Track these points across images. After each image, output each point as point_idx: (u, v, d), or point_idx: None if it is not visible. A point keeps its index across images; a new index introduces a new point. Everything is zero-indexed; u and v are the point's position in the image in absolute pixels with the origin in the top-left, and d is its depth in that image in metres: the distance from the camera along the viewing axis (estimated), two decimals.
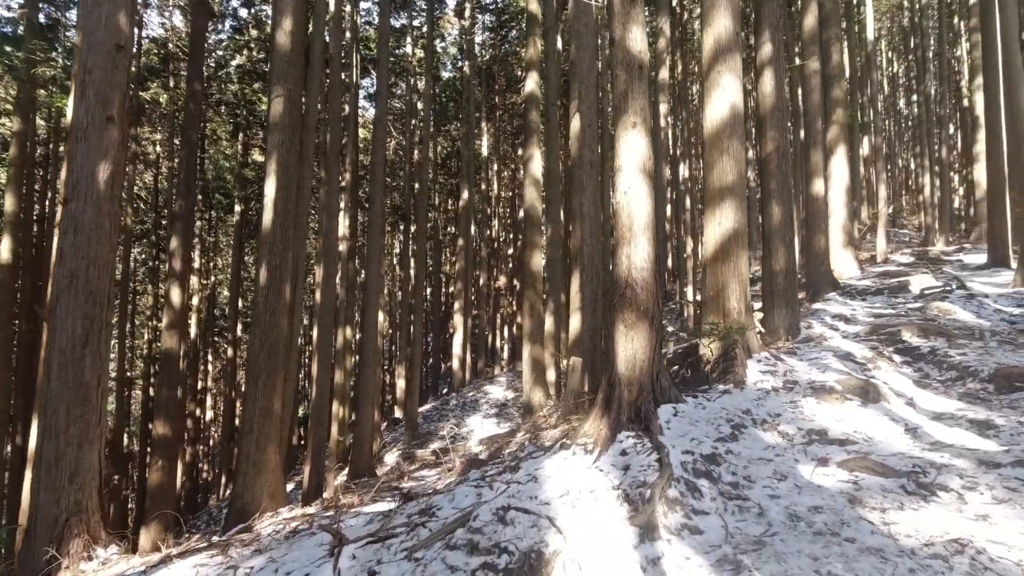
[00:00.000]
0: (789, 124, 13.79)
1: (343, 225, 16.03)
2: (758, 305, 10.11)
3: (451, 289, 32.85)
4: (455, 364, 23.01)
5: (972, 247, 15.53)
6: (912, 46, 26.98)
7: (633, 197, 5.93)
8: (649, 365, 5.77)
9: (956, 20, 24.18)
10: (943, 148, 21.72)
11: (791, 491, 4.26)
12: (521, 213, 29.68)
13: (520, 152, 30.27)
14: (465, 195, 22.29)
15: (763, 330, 8.03)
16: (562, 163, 16.62)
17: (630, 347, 5.73)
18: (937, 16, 22.93)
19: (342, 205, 15.77)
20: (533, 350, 12.90)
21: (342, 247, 16.13)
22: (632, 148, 5.99)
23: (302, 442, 23.03)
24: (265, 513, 8.59)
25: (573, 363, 7.65)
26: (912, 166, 28.04)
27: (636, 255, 5.85)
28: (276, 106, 8.70)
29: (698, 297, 21.68)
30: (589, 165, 9.56)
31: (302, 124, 11.11)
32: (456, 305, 22.77)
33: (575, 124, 9.84)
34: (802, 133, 15.96)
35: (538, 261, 13.53)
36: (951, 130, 23.70)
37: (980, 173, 16.53)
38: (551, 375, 15.81)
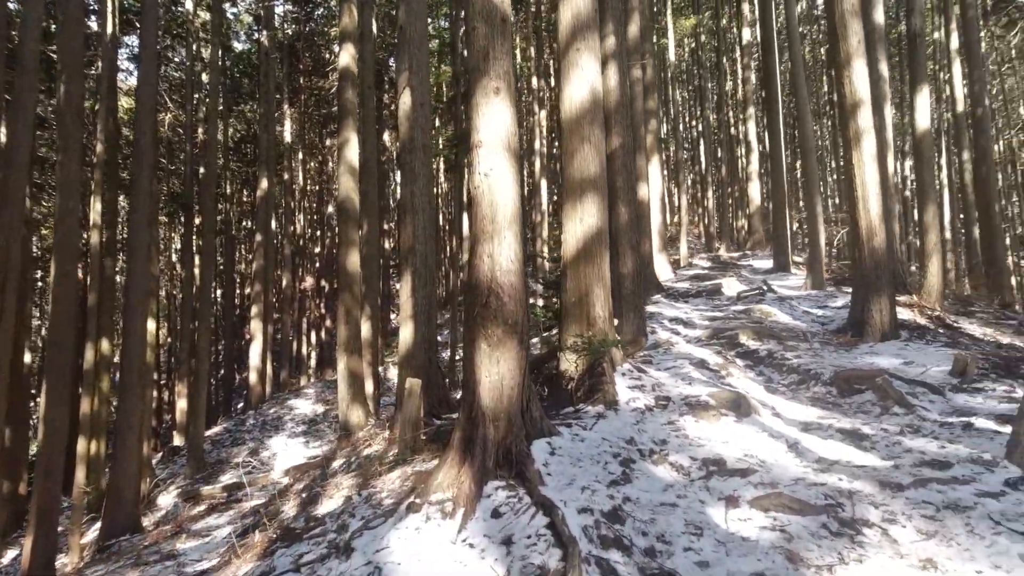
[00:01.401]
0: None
1: (95, 210, 12.24)
2: None
3: (248, 291, 28.53)
4: (252, 377, 19.65)
5: (752, 254, 17.39)
6: (693, 75, 30.26)
7: (497, 181, 4.64)
8: (519, 392, 4.53)
9: (723, 60, 27.47)
10: (722, 167, 24.58)
11: (717, 551, 3.32)
12: (331, 208, 26.85)
13: (330, 141, 27.39)
14: (264, 185, 19.09)
15: (620, 339, 7.37)
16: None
17: (496, 371, 4.42)
18: (716, 54, 25.89)
19: (92, 185, 12.01)
20: (350, 361, 10.95)
21: (94, 238, 12.32)
22: (494, 119, 4.70)
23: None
24: None
25: (410, 386, 6.12)
26: (689, 182, 31.67)
27: (501, 254, 4.57)
28: None
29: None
30: (422, 150, 8.07)
31: (13, 62, 7.82)
32: (254, 309, 19.44)
33: (405, 101, 8.27)
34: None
35: (355, 260, 11.58)
36: (720, 152, 26.94)
37: (754, 190, 18.64)
38: (370, 386, 13.89)
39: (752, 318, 8.62)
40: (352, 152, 11.41)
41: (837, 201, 26.54)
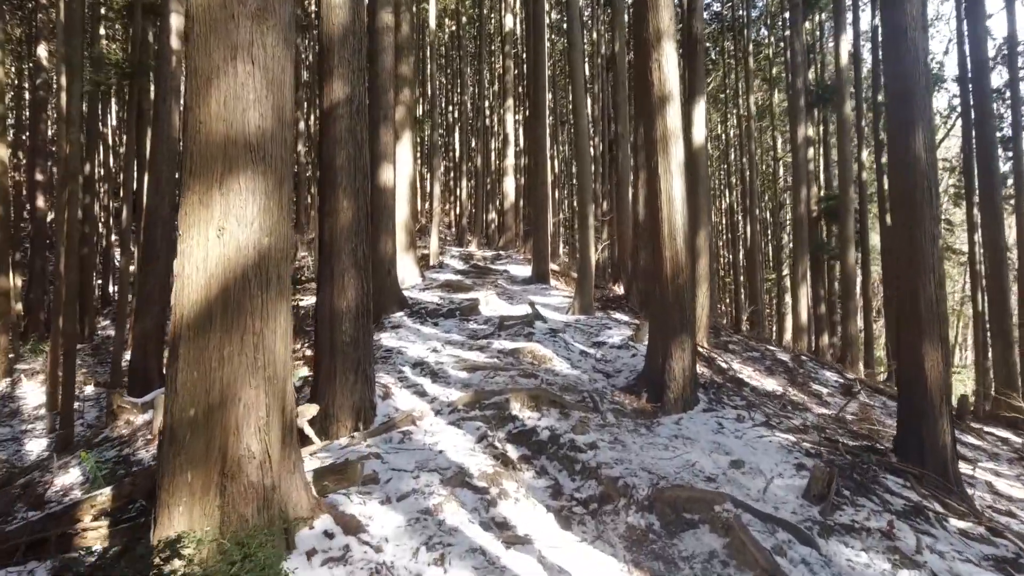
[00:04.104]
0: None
1: None
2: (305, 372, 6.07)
3: None
4: None
5: (506, 255, 15.58)
6: (453, 59, 27.84)
7: None
8: None
9: (484, 47, 25.56)
10: (478, 158, 22.63)
11: None
12: None
13: None
14: None
15: (321, 446, 4.06)
16: None
17: None
18: (476, 41, 23.78)
19: None
20: None
21: None
22: None
23: None
24: None
25: None
26: (443, 169, 29.37)
27: None
28: None
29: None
30: None
31: None
32: None
33: None
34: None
35: None
36: (476, 142, 25.07)
37: (509, 186, 16.92)
38: None
39: (523, 367, 6.19)
40: None
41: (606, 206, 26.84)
